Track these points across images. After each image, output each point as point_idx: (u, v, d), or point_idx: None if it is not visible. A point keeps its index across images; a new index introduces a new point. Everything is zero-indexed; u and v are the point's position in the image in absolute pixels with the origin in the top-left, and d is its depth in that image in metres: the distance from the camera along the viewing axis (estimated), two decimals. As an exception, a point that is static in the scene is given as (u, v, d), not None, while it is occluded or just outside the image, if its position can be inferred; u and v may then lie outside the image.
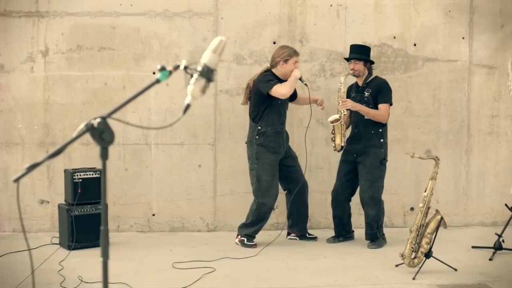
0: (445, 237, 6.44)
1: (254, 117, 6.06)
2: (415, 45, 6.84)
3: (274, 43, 6.70)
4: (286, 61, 5.98)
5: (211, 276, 5.21)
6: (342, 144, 6.09)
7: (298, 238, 6.37)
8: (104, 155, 2.28)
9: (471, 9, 6.87)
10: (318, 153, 6.77)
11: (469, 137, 6.96)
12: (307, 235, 6.37)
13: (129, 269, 5.41)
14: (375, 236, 6.11)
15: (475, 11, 6.87)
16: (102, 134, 2.26)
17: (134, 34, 6.63)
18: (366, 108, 5.98)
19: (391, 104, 6.05)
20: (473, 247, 6.06)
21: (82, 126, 2.29)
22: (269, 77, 5.97)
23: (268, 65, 6.11)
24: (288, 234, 6.45)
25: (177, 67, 2.41)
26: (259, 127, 6.02)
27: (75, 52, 6.61)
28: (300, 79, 6.00)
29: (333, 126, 6.03)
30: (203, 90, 2.42)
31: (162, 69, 2.39)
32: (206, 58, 2.45)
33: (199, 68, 2.45)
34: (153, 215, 6.74)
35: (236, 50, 6.69)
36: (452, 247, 6.09)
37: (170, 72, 2.39)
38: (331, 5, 6.74)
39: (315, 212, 6.77)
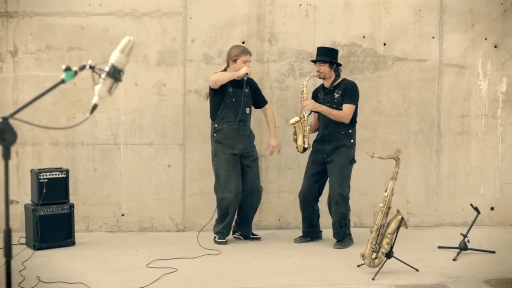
0: (413, 237, 6.43)
1: (212, 115, 6.24)
2: (384, 44, 6.83)
3: (243, 42, 6.69)
4: (234, 60, 6.13)
5: (171, 276, 5.21)
6: (305, 146, 6.11)
7: (242, 238, 6.44)
8: (6, 155, 2.27)
9: (441, 9, 6.85)
10: (287, 153, 6.76)
11: (439, 137, 6.94)
12: (250, 236, 6.44)
13: (92, 269, 5.40)
14: (344, 234, 6.10)
15: (445, 10, 6.85)
16: (3, 134, 2.25)
17: (103, 34, 6.63)
18: (327, 108, 6.00)
19: (356, 107, 6.06)
20: (439, 247, 6.04)
21: (-16, 125, 2.28)
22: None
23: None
24: (234, 232, 6.50)
25: (83, 67, 2.40)
26: (216, 125, 6.20)
27: (44, 52, 6.62)
28: (244, 78, 6.10)
29: (294, 127, 6.05)
30: (110, 90, 2.41)
31: (67, 69, 2.37)
32: (113, 58, 2.44)
33: (107, 68, 2.43)
34: (122, 215, 6.74)
35: (205, 50, 6.68)
36: (418, 247, 6.07)
37: (76, 72, 2.38)
38: (300, 5, 6.73)
39: (284, 212, 6.77)
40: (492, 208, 6.98)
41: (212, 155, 6.24)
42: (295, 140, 6.12)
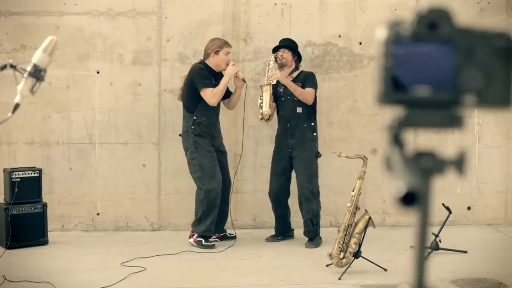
0: (388, 237, 6.42)
1: (190, 107, 6.08)
2: (360, 43, 6.81)
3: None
4: (217, 52, 6.04)
5: (138, 275, 5.21)
6: (270, 113, 6.09)
7: (219, 240, 6.25)
8: None
9: (417, 7, 6.82)
10: (263, 152, 6.75)
11: (415, 136, 6.91)
12: (227, 234, 6.35)
13: (61, 268, 5.43)
14: (315, 232, 6.10)
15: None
16: None
17: (78, 34, 6.63)
18: (293, 84, 6.01)
19: (315, 97, 6.12)
20: (411, 247, 5.99)
21: None
22: (205, 74, 6.01)
23: (201, 57, 6.17)
24: None
25: (4, 67, 2.40)
26: (195, 117, 6.04)
27: (20, 52, 6.63)
28: (237, 75, 6.04)
29: (261, 88, 6.08)
30: (32, 90, 2.41)
31: (-13, 68, 2.36)
32: (36, 58, 2.43)
33: (29, 68, 2.42)
34: (98, 214, 6.74)
35: (180, 49, 6.68)
36: (391, 247, 6.06)
37: (-4, 72, 2.37)
38: (275, 4, 6.73)
39: (259, 211, 6.76)
40: (468, 208, 6.97)
41: (190, 148, 6.06)
42: (261, 106, 6.07)
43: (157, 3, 6.65)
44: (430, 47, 1.02)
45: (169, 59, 6.67)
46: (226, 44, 6.09)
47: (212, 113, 6.10)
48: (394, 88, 1.06)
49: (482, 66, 0.99)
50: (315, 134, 6.12)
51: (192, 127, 6.04)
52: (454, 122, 1.11)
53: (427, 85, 1.05)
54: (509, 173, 6.97)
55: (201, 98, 6.00)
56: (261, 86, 6.13)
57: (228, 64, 6.05)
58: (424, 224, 1.04)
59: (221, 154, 6.24)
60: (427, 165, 1.07)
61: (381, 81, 1.08)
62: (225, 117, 6.52)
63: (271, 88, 6.07)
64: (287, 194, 6.26)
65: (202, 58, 6.16)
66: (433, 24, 1.01)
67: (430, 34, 1.01)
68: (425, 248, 1.16)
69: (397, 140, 1.11)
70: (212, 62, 6.07)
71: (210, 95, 5.94)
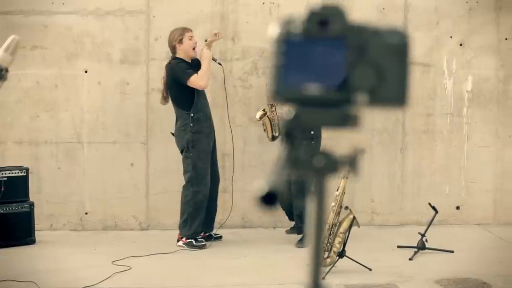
0: (376, 236, 6.41)
1: (184, 105, 5.98)
2: (349, 43, 6.79)
3: (206, 41, 6.67)
4: (180, 41, 5.98)
5: (122, 275, 5.21)
6: (274, 134, 6.24)
7: (204, 240, 6.15)
8: None
9: (406, 7, 6.81)
10: (251, 151, 6.74)
11: (404, 135, 6.90)
12: (213, 234, 6.29)
13: (47, 267, 5.43)
14: (304, 230, 6.09)
15: (409, 8, 6.81)
16: None
17: (66, 33, 6.63)
18: None
19: None
20: (398, 246, 6.01)
21: None
22: (183, 66, 5.96)
23: (171, 55, 6.13)
24: None
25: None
26: (192, 114, 5.95)
27: (8, 51, 6.62)
28: (213, 58, 6.01)
29: (262, 121, 6.26)
30: (-7, 89, 2.40)
31: None
32: (-3, 57, 2.42)
33: (-10, 67, 2.42)
34: (86, 213, 6.73)
35: (168, 48, 6.63)
36: (378, 247, 6.05)
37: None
38: (263, 3, 6.71)
39: (248, 211, 6.74)
40: (457, 207, 6.94)
41: (186, 147, 5.98)
42: (265, 130, 6.29)
43: (145, 2, 6.65)
44: (321, 44, 1.00)
45: (157, 58, 6.66)
46: (185, 29, 6.04)
47: (205, 105, 6.06)
48: (286, 86, 1.05)
49: (375, 63, 0.97)
50: None
51: (191, 124, 5.94)
52: (347, 121, 1.09)
53: (318, 83, 1.03)
54: (498, 172, 6.95)
55: (194, 94, 5.93)
56: (261, 119, 6.28)
57: (195, 48, 6.01)
58: (319, 224, 1.03)
59: (213, 148, 6.21)
60: (319, 165, 1.06)
61: (272, 79, 1.07)
62: (213, 117, 6.50)
63: (270, 110, 6.22)
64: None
65: (171, 55, 6.09)
66: (324, 21, 1.00)
67: (321, 31, 0.99)
68: (321, 248, 1.14)
69: (288, 139, 1.10)
70: (181, 52, 6.00)
71: (198, 79, 5.87)
